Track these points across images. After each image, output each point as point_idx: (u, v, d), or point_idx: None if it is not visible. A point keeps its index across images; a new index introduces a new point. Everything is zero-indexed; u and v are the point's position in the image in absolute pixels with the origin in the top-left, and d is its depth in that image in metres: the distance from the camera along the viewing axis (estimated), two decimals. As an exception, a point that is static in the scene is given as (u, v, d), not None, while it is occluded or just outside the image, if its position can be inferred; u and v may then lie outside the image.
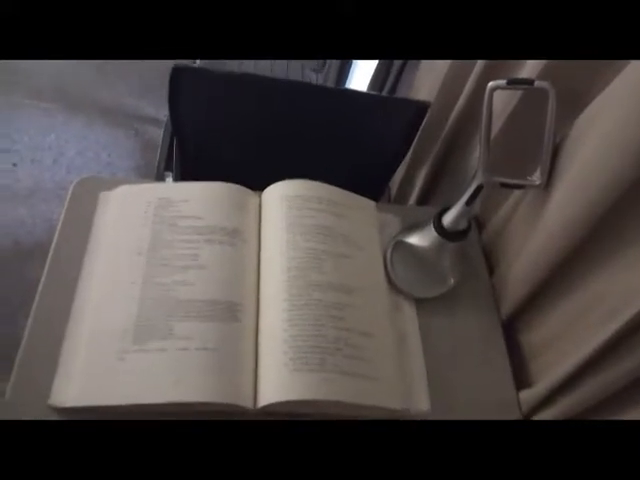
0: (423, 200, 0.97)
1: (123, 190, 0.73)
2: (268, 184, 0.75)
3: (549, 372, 0.62)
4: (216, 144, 0.95)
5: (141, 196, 0.72)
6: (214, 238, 0.68)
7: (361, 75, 1.41)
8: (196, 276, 0.65)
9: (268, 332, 0.62)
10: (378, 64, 1.19)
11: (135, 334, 0.60)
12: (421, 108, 0.86)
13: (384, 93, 1.16)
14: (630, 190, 0.51)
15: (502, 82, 0.61)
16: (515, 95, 0.67)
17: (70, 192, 0.73)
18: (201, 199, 0.72)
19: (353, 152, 0.94)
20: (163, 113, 1.85)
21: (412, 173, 0.98)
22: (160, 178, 1.14)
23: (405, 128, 0.89)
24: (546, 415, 0.62)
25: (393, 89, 1.14)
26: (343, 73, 1.49)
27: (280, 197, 0.72)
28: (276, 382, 0.59)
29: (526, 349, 0.70)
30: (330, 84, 1.54)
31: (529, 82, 0.60)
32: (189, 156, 0.97)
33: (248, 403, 0.58)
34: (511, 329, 0.72)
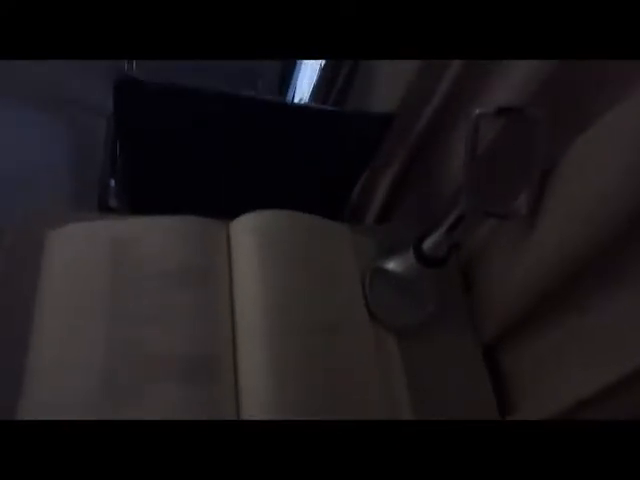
0: (385, 212, 0.90)
1: (72, 230, 0.61)
2: (227, 206, 0.65)
3: (541, 403, 0.57)
4: (169, 163, 0.83)
5: (95, 237, 0.60)
6: (184, 282, 0.58)
7: (306, 81, 1.30)
8: (167, 330, 0.55)
9: (252, 395, 0.53)
10: (323, 70, 1.09)
11: (101, 405, 0.50)
12: (384, 121, 0.78)
13: (330, 102, 1.07)
14: (631, 227, 0.47)
15: (490, 111, 0.55)
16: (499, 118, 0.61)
17: (10, 233, 0.60)
18: (165, 237, 0.61)
19: (313, 168, 0.85)
20: (95, 97, 1.58)
21: (373, 184, 0.91)
22: (104, 192, 1.00)
23: (368, 142, 0.81)
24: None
25: (342, 97, 1.05)
26: (286, 79, 1.36)
27: (251, 231, 0.63)
28: None
29: (509, 374, 0.65)
30: (273, 89, 1.42)
31: (519, 111, 0.54)
32: (138, 174, 0.85)
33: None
34: (493, 353, 0.67)
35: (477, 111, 0.55)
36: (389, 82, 0.88)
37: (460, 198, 0.59)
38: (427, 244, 0.63)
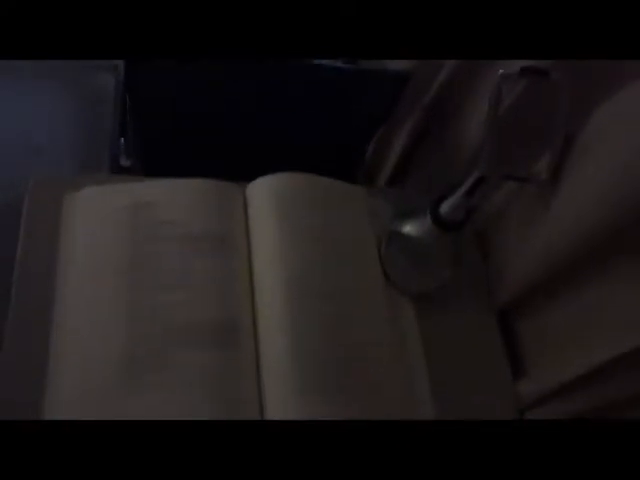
0: (398, 173, 0.88)
1: (90, 193, 0.60)
2: (241, 165, 0.65)
3: (554, 369, 0.58)
4: (183, 123, 0.81)
5: (112, 201, 0.60)
6: (202, 248, 0.58)
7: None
8: (186, 296, 0.55)
9: (271, 360, 0.54)
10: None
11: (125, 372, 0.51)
12: (400, 79, 0.76)
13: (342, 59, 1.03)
14: None
15: (514, 72, 0.53)
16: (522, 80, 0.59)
17: (27, 199, 0.60)
18: (182, 200, 0.61)
19: (325, 127, 0.83)
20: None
21: (386, 144, 0.89)
22: (116, 152, 0.99)
23: (382, 100, 0.79)
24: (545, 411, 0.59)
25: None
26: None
27: (268, 194, 0.62)
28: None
29: (522, 341, 0.65)
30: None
31: (544, 73, 0.52)
32: (150, 136, 0.84)
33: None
34: (507, 320, 0.67)
35: (500, 71, 0.53)
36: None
37: (479, 160, 0.58)
38: (444, 207, 0.62)
